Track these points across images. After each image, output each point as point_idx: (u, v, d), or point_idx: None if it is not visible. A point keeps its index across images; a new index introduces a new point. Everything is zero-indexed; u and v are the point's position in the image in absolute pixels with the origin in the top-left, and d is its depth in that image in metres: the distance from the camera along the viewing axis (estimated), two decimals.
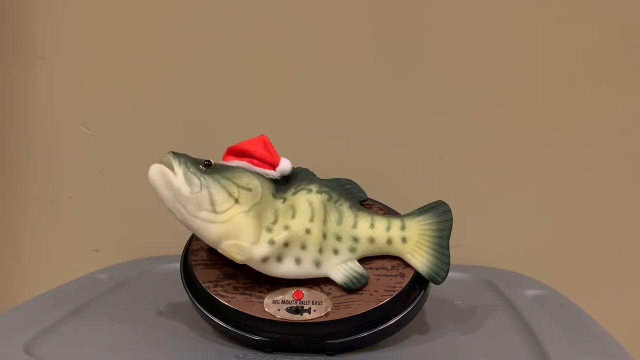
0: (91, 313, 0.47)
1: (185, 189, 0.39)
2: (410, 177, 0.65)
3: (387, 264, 0.42)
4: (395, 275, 0.42)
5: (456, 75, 0.64)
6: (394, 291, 0.41)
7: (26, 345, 0.40)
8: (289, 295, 0.41)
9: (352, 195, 0.44)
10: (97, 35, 0.66)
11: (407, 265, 0.42)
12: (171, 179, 0.39)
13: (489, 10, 0.63)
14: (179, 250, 0.45)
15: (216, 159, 0.43)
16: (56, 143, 0.68)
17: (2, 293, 0.70)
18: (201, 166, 0.41)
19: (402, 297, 0.41)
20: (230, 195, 0.40)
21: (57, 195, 0.68)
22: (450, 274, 0.42)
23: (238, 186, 0.40)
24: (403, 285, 0.41)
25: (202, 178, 0.40)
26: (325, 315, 0.40)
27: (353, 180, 0.45)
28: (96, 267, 0.60)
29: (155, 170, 0.40)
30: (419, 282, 0.42)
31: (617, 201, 0.64)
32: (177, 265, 0.45)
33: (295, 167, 0.43)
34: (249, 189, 0.41)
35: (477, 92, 0.64)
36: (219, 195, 0.40)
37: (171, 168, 0.40)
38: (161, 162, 0.40)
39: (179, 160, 0.40)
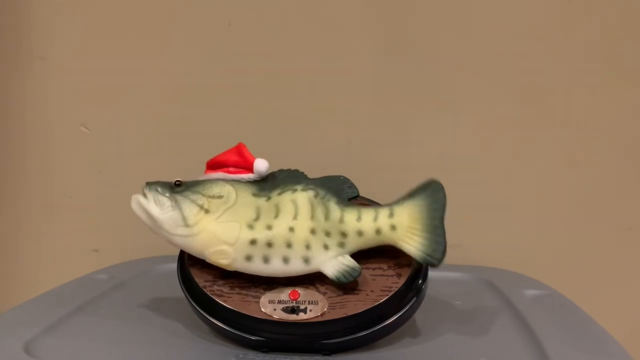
0: (91, 313, 0.47)
1: (156, 211, 0.42)
2: (411, 177, 0.65)
3: (384, 264, 0.42)
4: (392, 275, 0.42)
5: (457, 74, 0.64)
6: (390, 291, 0.41)
7: (26, 345, 0.40)
8: (285, 295, 0.41)
9: (341, 191, 0.43)
10: (96, 35, 0.66)
11: (403, 265, 0.42)
12: (144, 205, 0.42)
13: (489, 9, 0.63)
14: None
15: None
16: (56, 143, 0.68)
17: (2, 293, 0.70)
18: (174, 186, 0.43)
19: (399, 297, 0.41)
20: (200, 207, 0.42)
21: (57, 195, 0.68)
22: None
23: (208, 197, 0.42)
24: (399, 285, 0.41)
25: (171, 198, 0.42)
26: (321, 315, 0.40)
27: (352, 180, 0.45)
28: (96, 267, 0.60)
29: (133, 201, 0.42)
30: (416, 282, 0.42)
31: (617, 201, 0.64)
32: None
33: (286, 168, 0.44)
34: (220, 197, 0.42)
35: (477, 91, 0.64)
36: (189, 209, 0.42)
37: (144, 195, 0.43)
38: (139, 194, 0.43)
39: (149, 187, 0.43)
